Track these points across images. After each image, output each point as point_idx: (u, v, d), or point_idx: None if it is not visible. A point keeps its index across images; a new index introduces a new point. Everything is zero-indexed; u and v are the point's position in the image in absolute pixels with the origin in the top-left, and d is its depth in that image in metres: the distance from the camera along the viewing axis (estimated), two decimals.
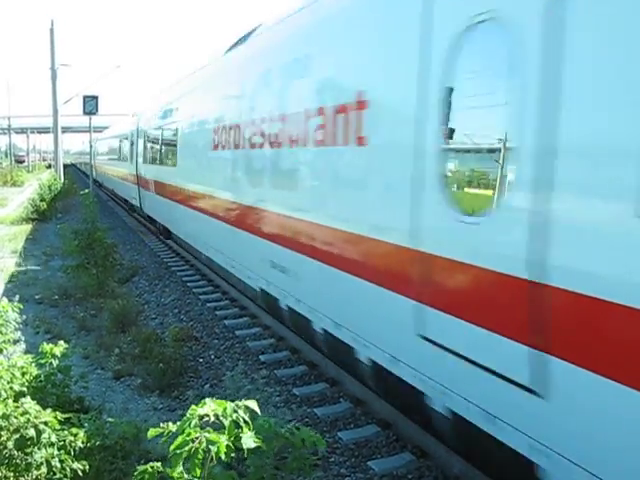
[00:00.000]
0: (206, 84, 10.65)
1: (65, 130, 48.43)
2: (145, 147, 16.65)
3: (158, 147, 14.77)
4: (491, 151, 3.62)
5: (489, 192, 3.59)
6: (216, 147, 9.08)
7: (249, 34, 8.64)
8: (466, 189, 3.91)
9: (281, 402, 6.25)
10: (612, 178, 2.79)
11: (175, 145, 12.19)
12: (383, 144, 4.58)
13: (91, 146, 26.40)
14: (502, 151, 3.42)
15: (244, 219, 7.85)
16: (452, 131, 3.83)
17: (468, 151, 3.94)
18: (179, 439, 2.49)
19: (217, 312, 9.52)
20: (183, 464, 2.44)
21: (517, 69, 3.28)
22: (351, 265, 5.03)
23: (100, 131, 35.89)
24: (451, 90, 3.76)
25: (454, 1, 3.81)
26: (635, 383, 2.67)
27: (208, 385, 6.69)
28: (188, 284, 11.55)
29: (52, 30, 28.60)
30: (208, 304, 10.02)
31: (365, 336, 4.95)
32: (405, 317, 4.22)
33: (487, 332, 3.48)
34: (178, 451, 2.46)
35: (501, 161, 3.44)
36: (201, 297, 10.50)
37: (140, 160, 17.30)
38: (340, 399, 6.29)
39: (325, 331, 5.71)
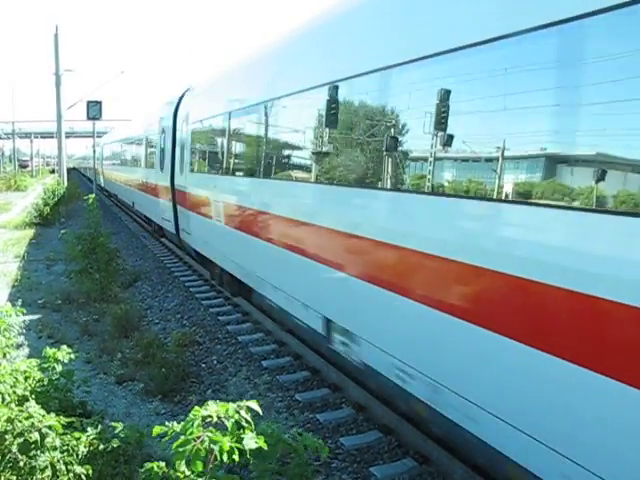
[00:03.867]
0: None
1: (69, 135, 48.57)
2: None
3: None
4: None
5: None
6: None
7: None
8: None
9: (283, 408, 6.25)
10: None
11: None
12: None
13: (94, 151, 26.54)
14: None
15: None
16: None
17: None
18: (182, 438, 2.60)
19: (220, 317, 9.53)
20: (186, 462, 2.51)
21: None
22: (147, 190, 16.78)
23: (100, 137, 35.28)
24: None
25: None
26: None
27: (210, 390, 6.70)
28: (191, 289, 11.57)
29: (57, 36, 28.68)
30: (211, 309, 10.04)
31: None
32: (167, 202, 13.47)
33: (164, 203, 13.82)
34: (181, 449, 2.56)
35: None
36: (204, 302, 10.52)
37: None
38: (342, 405, 6.30)
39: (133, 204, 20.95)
